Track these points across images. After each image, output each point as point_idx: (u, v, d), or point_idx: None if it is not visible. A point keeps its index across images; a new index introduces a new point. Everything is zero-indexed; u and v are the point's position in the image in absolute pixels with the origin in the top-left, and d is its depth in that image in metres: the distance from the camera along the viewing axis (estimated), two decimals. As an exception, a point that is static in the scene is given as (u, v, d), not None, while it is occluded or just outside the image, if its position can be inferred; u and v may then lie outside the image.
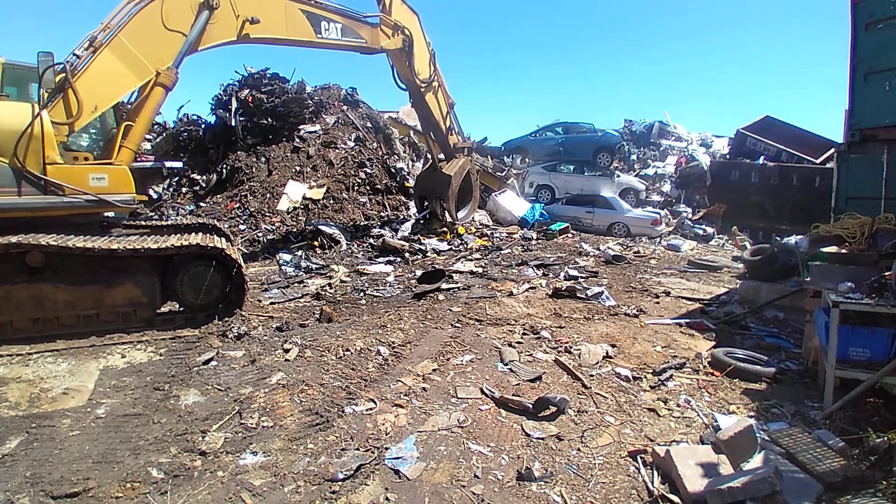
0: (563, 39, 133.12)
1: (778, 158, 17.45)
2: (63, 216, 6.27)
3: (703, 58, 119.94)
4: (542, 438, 3.88)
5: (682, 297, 8.31)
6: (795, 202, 15.44)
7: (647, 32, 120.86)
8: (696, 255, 12.90)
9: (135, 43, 6.62)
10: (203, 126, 17.90)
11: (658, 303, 7.95)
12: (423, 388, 4.70)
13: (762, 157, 17.74)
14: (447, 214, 13.02)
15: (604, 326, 6.56)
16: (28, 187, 5.83)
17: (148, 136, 18.97)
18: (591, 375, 5.04)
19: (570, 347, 5.73)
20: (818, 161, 16.61)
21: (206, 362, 5.29)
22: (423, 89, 11.85)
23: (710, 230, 16.09)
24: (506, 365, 5.24)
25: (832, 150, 14.89)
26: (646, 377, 5.04)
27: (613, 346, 5.80)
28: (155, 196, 14.35)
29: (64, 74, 6.07)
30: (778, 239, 13.19)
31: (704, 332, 6.52)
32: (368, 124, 17.52)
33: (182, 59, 7.18)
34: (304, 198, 13.90)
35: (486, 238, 13.50)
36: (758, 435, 3.70)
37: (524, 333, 6.24)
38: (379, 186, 15.03)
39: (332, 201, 14.01)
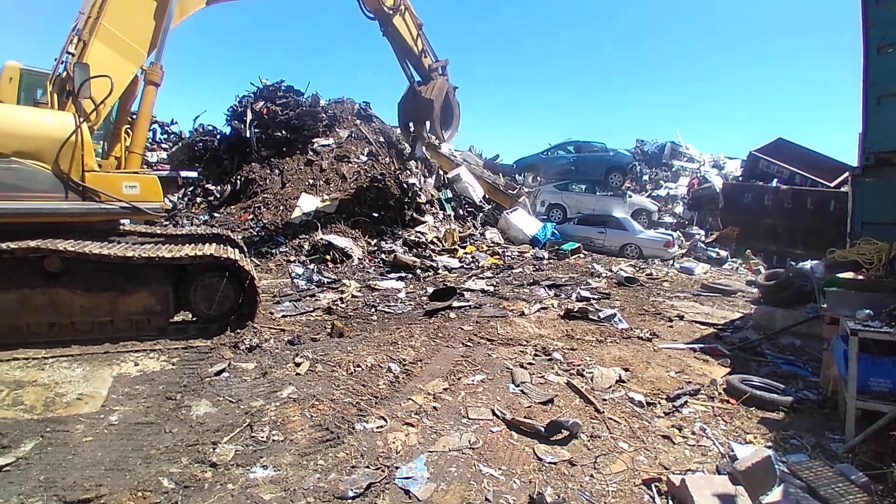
0: (575, 58, 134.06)
1: (791, 181, 17.34)
2: (94, 222, 6.42)
3: (714, 79, 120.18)
4: (555, 463, 3.82)
5: (696, 322, 8.22)
6: (809, 226, 15.30)
7: (659, 53, 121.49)
8: (710, 278, 12.79)
9: (119, 27, 6.64)
10: (218, 137, 18.18)
11: (671, 327, 7.87)
12: (434, 408, 4.66)
13: (775, 180, 17.65)
14: (434, 137, 13.70)
15: (616, 349, 6.50)
16: (69, 193, 5.99)
17: (164, 146, 19.33)
18: (604, 400, 4.98)
19: (583, 370, 5.67)
20: (833, 184, 16.49)
21: (218, 373, 5.29)
22: (391, 14, 11.88)
23: (723, 253, 15.96)
24: (517, 386, 5.19)
25: (847, 174, 14.81)
26: (660, 403, 4.97)
27: (626, 369, 5.73)
28: (170, 205, 14.50)
29: (67, 75, 6.20)
30: (793, 263, 13.07)
31: (719, 357, 6.43)
32: (381, 139, 17.66)
33: (164, 42, 7.12)
34: (317, 211, 13.98)
35: (498, 256, 13.49)
36: (777, 467, 3.61)
37: (536, 354, 6.19)
38: (391, 202, 15.10)
39: (344, 215, 14.07)
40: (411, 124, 14.07)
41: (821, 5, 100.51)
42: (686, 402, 4.97)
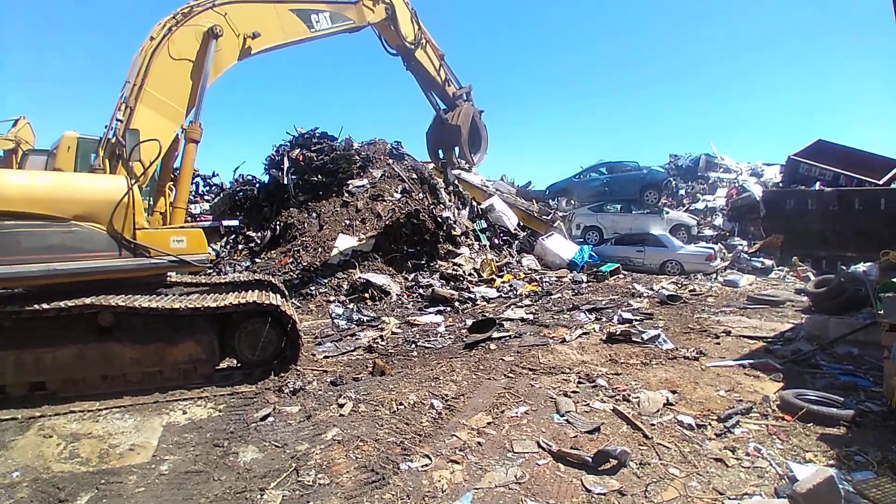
0: (601, 75, 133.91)
1: (836, 183, 16.80)
2: (145, 276, 6.76)
3: (743, 82, 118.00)
4: (604, 494, 3.73)
5: (744, 336, 7.95)
6: (860, 227, 14.72)
7: (684, 62, 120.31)
8: (756, 289, 12.38)
9: (160, 90, 7.06)
10: (258, 185, 18.93)
11: (718, 343, 7.63)
12: (479, 443, 4.62)
13: (818, 183, 17.14)
14: (464, 161, 13.95)
15: (662, 371, 6.34)
16: (122, 251, 6.35)
17: (206, 198, 20.20)
18: (652, 424, 4.85)
19: (629, 395, 5.54)
20: (881, 182, 15.89)
21: (264, 418, 5.39)
22: (412, 49, 12.12)
23: (768, 263, 15.44)
24: (562, 416, 5.11)
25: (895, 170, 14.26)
26: (710, 424, 4.81)
27: (674, 391, 5.58)
28: (213, 254, 15.03)
29: (116, 140, 6.65)
30: (844, 268, 12.55)
31: (771, 372, 6.19)
32: (414, 175, 17.96)
33: (202, 100, 7.47)
34: (354, 250, 14.23)
35: (536, 283, 13.41)
36: (841, 487, 3.44)
37: (580, 382, 6.09)
38: (426, 236, 15.26)
39: (381, 252, 14.29)
40: (441, 151, 14.35)
41: (850, 6, 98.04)
42: (738, 421, 4.80)
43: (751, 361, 6.59)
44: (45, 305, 5.66)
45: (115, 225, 6.26)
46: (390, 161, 18.57)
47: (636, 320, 9.02)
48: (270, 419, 5.40)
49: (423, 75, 12.94)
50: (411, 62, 12.48)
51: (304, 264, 13.88)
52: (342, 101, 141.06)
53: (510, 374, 6.48)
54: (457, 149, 13.79)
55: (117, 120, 6.83)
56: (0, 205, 5.62)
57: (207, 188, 21.76)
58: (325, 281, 12.81)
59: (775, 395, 5.34)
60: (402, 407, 5.52)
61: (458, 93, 13.80)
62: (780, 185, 19.96)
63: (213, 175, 22.29)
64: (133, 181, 6.48)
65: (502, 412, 5.29)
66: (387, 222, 15.43)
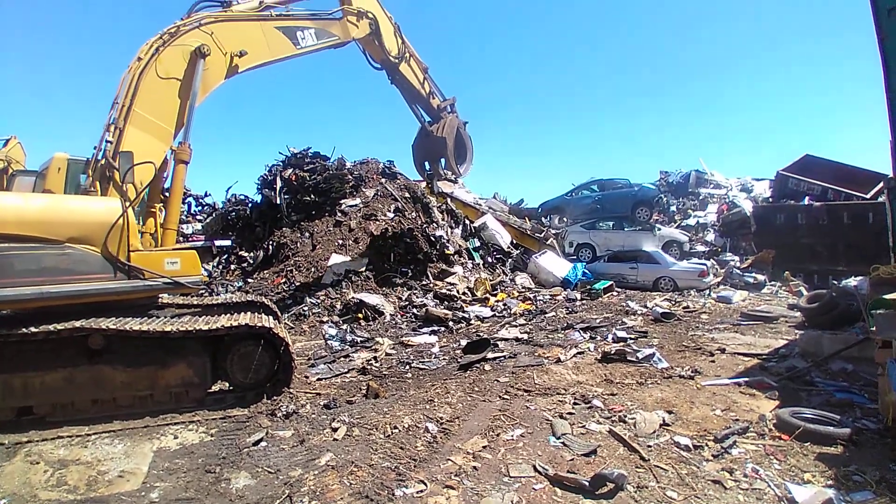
0: (586, 92, 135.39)
1: (824, 197, 17.03)
2: (138, 298, 6.73)
3: (731, 96, 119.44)
4: (602, 519, 3.68)
5: (739, 354, 7.96)
6: (849, 241, 14.90)
7: (672, 76, 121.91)
8: (749, 305, 12.41)
9: (149, 110, 7.10)
10: (250, 205, 18.95)
11: (713, 361, 7.63)
12: (474, 467, 4.56)
13: (807, 198, 17.34)
14: (450, 172, 14.23)
15: (658, 391, 6.31)
16: (116, 273, 6.31)
17: (199, 217, 20.16)
18: (649, 446, 4.81)
19: (625, 416, 5.51)
20: (868, 196, 16.10)
21: (256, 443, 5.30)
22: (396, 63, 12.25)
23: (760, 278, 15.52)
24: (558, 438, 5.07)
25: (882, 184, 14.40)
26: (707, 445, 4.78)
27: (670, 412, 5.55)
28: (206, 274, 14.94)
29: (106, 161, 6.66)
30: (835, 283, 12.64)
31: (766, 390, 6.19)
32: (406, 195, 18.02)
33: (191, 120, 7.49)
34: (348, 270, 14.19)
35: (530, 301, 13.40)
36: (839, 508, 3.42)
37: (575, 403, 6.05)
38: (419, 255, 15.26)
39: (374, 272, 14.26)
40: (427, 163, 14.45)
41: (829, 9, 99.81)
42: (735, 442, 4.77)
43: (746, 379, 6.58)
44: (33, 329, 5.60)
45: (109, 247, 6.23)
46: (383, 180, 18.64)
47: (631, 339, 9.02)
48: (263, 444, 5.32)
49: (407, 89, 13.12)
50: (396, 76, 12.65)
51: (298, 284, 13.83)
52: (335, 119, 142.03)
53: (505, 396, 6.43)
54: (443, 160, 14.02)
55: (107, 141, 6.83)
56: None
57: (200, 208, 21.76)
58: (319, 301, 12.75)
59: (772, 413, 5.33)
60: (397, 430, 5.45)
61: (443, 105, 14.02)
62: (770, 200, 20.18)
63: (206, 195, 22.33)
64: (128, 203, 6.47)
65: (498, 435, 5.23)
66: (373, 232, 15.41)
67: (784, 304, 12.23)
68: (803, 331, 8.25)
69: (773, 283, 15.51)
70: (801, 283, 14.96)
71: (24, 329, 5.58)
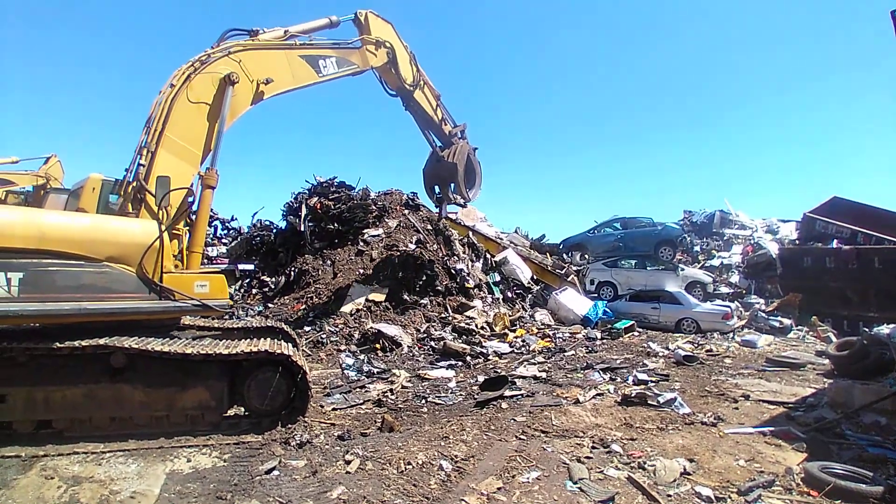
0: (609, 125, 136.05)
1: (854, 241, 16.70)
2: (167, 319, 6.93)
3: (758, 135, 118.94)
4: (620, 572, 3.55)
5: (764, 401, 7.73)
6: (881, 287, 14.53)
7: (695, 112, 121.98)
8: (775, 350, 12.10)
9: (180, 135, 7.31)
10: (274, 231, 19.32)
11: (737, 408, 7.41)
12: (488, 510, 4.47)
13: (835, 241, 17.03)
14: (459, 197, 14.32)
15: (679, 437, 6.14)
16: (149, 293, 6.44)
17: (224, 241, 20.54)
18: (669, 495, 4.66)
19: (644, 462, 5.36)
20: (901, 240, 15.74)
21: (269, 472, 5.28)
22: (411, 90, 12.50)
23: (787, 322, 15.14)
24: (575, 483, 4.93)
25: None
26: (730, 497, 4.62)
27: (691, 460, 5.39)
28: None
29: (137, 183, 6.88)
30: (867, 330, 12.29)
31: (793, 441, 5.98)
32: (429, 227, 18.13)
33: (219, 146, 7.66)
34: (367, 300, 14.24)
35: (549, 339, 13.25)
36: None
37: (593, 446, 5.91)
38: (439, 288, 15.27)
39: (393, 303, 14.28)
40: (437, 187, 14.64)
41: (862, 42, 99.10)
42: (760, 495, 4.61)
43: (772, 429, 6.38)
44: (58, 344, 5.72)
45: (144, 267, 6.40)
46: (406, 211, 18.81)
47: (652, 382, 8.82)
48: (276, 473, 5.29)
49: (421, 115, 13.40)
50: (410, 103, 12.93)
51: (317, 311, 13.90)
52: (363, 148, 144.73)
53: (522, 436, 6.31)
54: (452, 185, 14.22)
55: (139, 164, 7.05)
56: (41, 243, 5.75)
57: (225, 231, 22.22)
58: (337, 329, 12.76)
59: (799, 467, 5.13)
60: (411, 467, 5.38)
61: (454, 131, 14.27)
62: (797, 242, 19.85)
63: (232, 219, 22.84)
64: (165, 227, 6.67)
65: (513, 477, 5.12)
66: (399, 272, 15.44)
67: (811, 350, 11.90)
68: (832, 379, 8.00)
69: (799, 327, 15.13)
70: (829, 328, 14.56)
71: (49, 343, 5.71)
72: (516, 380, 9.11)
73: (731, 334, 14.36)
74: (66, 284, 5.87)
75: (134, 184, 6.97)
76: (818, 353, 11.20)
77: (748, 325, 15.38)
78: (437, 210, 16.09)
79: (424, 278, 15.20)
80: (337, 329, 12.80)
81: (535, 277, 18.59)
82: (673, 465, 5.22)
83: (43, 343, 5.72)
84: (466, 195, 14.50)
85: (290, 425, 6.63)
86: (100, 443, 5.80)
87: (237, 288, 16.45)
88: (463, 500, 4.65)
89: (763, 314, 15.86)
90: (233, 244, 20.08)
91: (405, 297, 14.45)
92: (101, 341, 5.86)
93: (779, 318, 15.33)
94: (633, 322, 14.78)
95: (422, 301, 14.54)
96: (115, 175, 7.79)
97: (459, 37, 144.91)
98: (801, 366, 10.13)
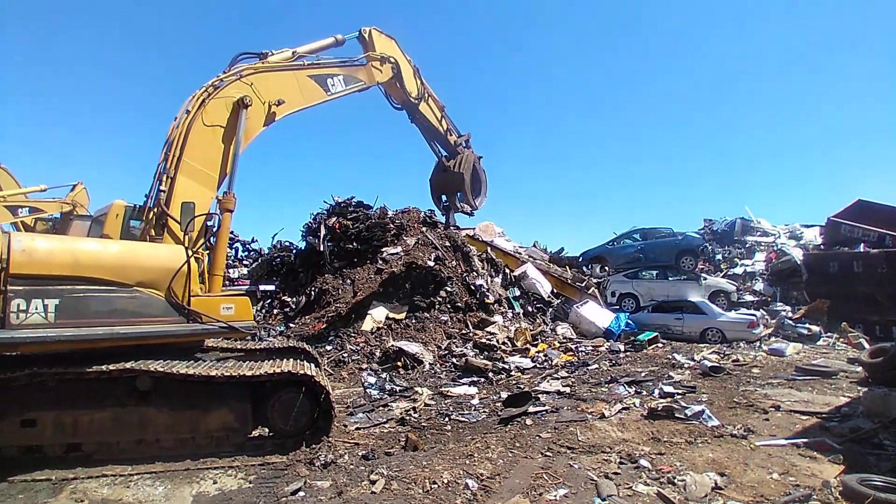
0: (630, 140, 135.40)
1: (882, 243, 16.34)
2: (195, 341, 7.08)
3: (775, 140, 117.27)
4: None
5: (795, 412, 7.54)
6: (913, 290, 14.14)
7: (717, 123, 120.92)
8: (804, 359, 11.82)
9: (197, 159, 7.44)
10: (294, 252, 19.50)
11: (767, 419, 7.25)
12: (516, 530, 4.41)
13: (862, 244, 16.67)
14: (466, 205, 14.51)
15: (709, 451, 6.01)
16: (177, 317, 6.56)
17: (245, 262, 20.82)
18: (701, 511, 4.56)
19: (674, 477, 5.25)
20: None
21: (294, 493, 5.28)
22: (416, 103, 12.61)
23: (815, 329, 14.81)
24: (604, 500, 4.85)
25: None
26: (766, 513, 4.50)
27: (722, 474, 5.27)
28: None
29: (158, 209, 7.03)
30: (900, 335, 11.95)
31: (829, 453, 5.82)
32: (447, 243, 18.16)
33: (235, 169, 7.78)
34: (387, 318, 14.26)
35: (571, 353, 13.11)
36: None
37: (621, 462, 5.81)
38: (459, 304, 15.25)
39: (414, 320, 14.29)
40: (444, 197, 14.77)
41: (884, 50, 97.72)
42: (797, 510, 4.47)
43: (805, 440, 6.22)
44: (86, 368, 5.82)
45: (173, 291, 6.52)
46: (423, 229, 18.87)
47: (678, 394, 8.67)
48: (301, 494, 5.29)
49: (426, 127, 13.56)
50: (416, 115, 13.10)
51: (338, 330, 13.95)
52: (380, 167, 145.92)
53: (548, 453, 6.23)
54: (459, 193, 14.36)
55: (160, 190, 7.20)
56: (76, 270, 5.89)
57: (246, 253, 22.52)
58: (359, 348, 12.78)
59: (836, 479, 4.98)
60: (436, 486, 5.33)
61: (459, 141, 14.44)
62: (822, 247, 19.49)
63: (252, 240, 23.16)
64: (193, 252, 6.80)
65: (540, 495, 5.05)
66: (419, 289, 15.47)
67: (843, 358, 11.60)
68: (867, 388, 7.77)
69: (829, 334, 14.77)
70: (860, 334, 14.20)
71: (77, 368, 5.81)
72: (540, 395, 9.01)
73: (757, 343, 14.08)
74: (99, 310, 5.99)
75: (155, 209, 7.12)
76: (850, 361, 10.91)
77: (775, 334, 15.06)
78: (445, 218, 16.24)
79: (444, 295, 15.21)
80: (358, 348, 12.82)
81: (555, 291, 18.48)
82: (703, 480, 5.11)
83: (71, 368, 5.81)
84: (473, 203, 14.69)
85: (314, 445, 6.64)
86: (127, 465, 5.87)
87: (259, 309, 16.62)
88: (490, 519, 4.60)
89: (790, 322, 15.53)
90: (254, 265, 20.38)
91: (425, 314, 14.46)
92: (128, 365, 5.96)
93: (807, 326, 15.01)
94: (656, 333, 14.57)
95: (442, 318, 14.52)
96: (135, 201, 7.99)
97: (476, 46, 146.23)
98: (832, 374, 9.88)
